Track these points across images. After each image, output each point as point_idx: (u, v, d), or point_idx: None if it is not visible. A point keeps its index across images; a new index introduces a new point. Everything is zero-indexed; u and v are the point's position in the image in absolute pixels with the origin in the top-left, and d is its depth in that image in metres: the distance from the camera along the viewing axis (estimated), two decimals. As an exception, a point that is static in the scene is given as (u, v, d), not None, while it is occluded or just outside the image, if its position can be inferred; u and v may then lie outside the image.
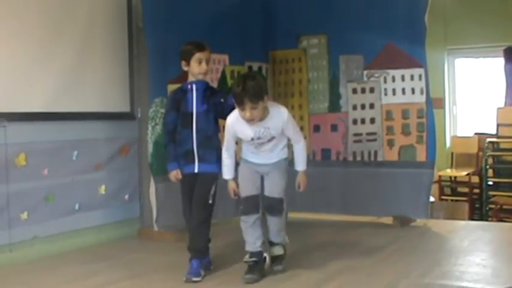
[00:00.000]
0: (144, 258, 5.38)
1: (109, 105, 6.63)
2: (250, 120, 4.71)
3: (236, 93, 4.66)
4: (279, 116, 4.85)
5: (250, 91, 4.60)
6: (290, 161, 5.26)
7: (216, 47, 7.06)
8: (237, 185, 5.07)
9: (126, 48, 6.89)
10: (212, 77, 7.20)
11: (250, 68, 7.80)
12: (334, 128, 7.70)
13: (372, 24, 7.26)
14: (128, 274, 5.29)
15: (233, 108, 4.97)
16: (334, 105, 7.69)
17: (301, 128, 7.76)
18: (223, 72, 7.42)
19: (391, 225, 7.32)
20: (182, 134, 5.25)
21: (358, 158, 7.53)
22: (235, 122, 4.88)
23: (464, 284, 4.78)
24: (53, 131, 6.18)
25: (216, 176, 5.28)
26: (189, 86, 5.28)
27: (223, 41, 7.21)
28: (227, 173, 5.12)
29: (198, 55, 5.22)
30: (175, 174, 5.30)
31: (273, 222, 5.08)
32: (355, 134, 7.54)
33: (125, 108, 6.86)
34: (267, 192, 5.06)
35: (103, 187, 6.63)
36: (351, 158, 7.58)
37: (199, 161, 5.22)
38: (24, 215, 5.93)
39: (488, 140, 10.74)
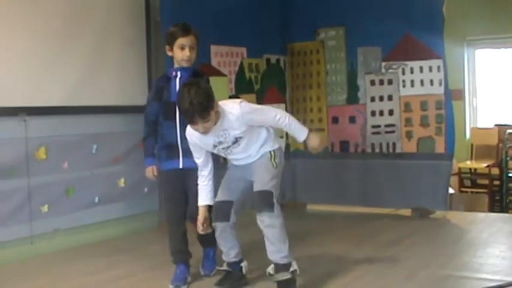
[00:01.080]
0: (164, 249, 5.39)
1: (127, 99, 6.67)
2: (204, 133, 4.22)
3: (183, 111, 4.14)
4: (230, 115, 4.25)
5: (197, 107, 4.05)
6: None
7: (234, 40, 7.18)
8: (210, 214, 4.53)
9: (144, 42, 6.94)
10: (230, 69, 7.27)
11: (268, 60, 7.86)
12: (352, 119, 7.75)
13: (390, 15, 7.28)
14: (148, 265, 5.36)
15: None
16: (352, 97, 7.73)
17: (320, 120, 7.81)
18: (241, 65, 7.48)
19: (409, 217, 7.35)
20: (164, 126, 4.87)
21: (377, 150, 7.57)
22: (192, 132, 4.34)
23: (483, 275, 4.79)
24: (72, 124, 6.25)
25: None
26: (173, 73, 4.86)
27: (241, 34, 7.32)
28: (200, 197, 4.54)
29: (180, 40, 4.75)
30: (151, 171, 4.95)
31: (265, 223, 4.33)
32: (374, 126, 7.58)
33: (143, 101, 6.85)
34: (254, 188, 4.44)
35: (122, 180, 6.69)
36: (369, 150, 7.63)
37: (183, 156, 4.78)
38: (45, 208, 6.01)
39: (509, 131, 10.67)
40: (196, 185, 4.65)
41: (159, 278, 4.88)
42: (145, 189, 6.90)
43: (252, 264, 4.77)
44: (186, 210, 4.87)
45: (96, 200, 6.49)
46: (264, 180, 4.38)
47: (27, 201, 5.86)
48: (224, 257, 4.63)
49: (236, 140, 4.33)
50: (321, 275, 4.90)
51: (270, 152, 4.47)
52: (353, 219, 7.40)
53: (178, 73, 4.82)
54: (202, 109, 4.03)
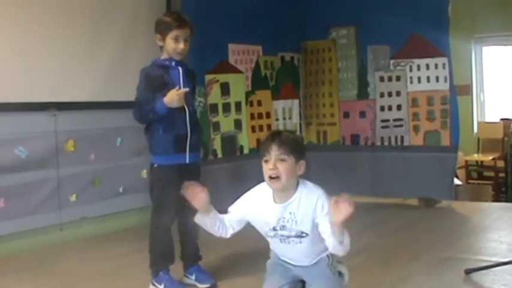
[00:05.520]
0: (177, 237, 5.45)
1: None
2: (273, 179, 3.34)
3: (265, 139, 3.45)
4: (309, 195, 3.40)
5: (281, 137, 3.38)
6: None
7: (250, 38, 7.46)
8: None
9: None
10: (247, 67, 7.60)
11: (282, 58, 8.16)
12: (362, 114, 8.01)
13: (398, 15, 7.50)
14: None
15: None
16: (363, 92, 8.00)
17: (332, 115, 8.11)
18: (257, 63, 7.78)
19: (416, 206, 7.66)
20: (174, 115, 4.42)
21: (386, 143, 7.83)
22: (256, 197, 3.51)
23: (482, 257, 5.10)
24: (98, 119, 6.54)
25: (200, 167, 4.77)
26: (167, 62, 4.50)
27: (257, 33, 7.62)
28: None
29: (175, 32, 4.41)
30: (174, 92, 4.35)
31: None
32: (383, 120, 7.84)
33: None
34: None
35: (145, 171, 6.83)
36: (378, 143, 7.89)
37: (190, 150, 4.51)
38: (73, 197, 6.32)
39: (514, 125, 10.92)
40: (196, 181, 4.24)
41: (178, 260, 4.82)
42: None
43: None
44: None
45: (121, 190, 6.78)
46: None
47: (57, 190, 6.15)
48: None
49: (300, 236, 3.41)
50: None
51: (327, 255, 3.54)
52: (362, 208, 7.38)
53: (173, 62, 4.50)
54: (286, 141, 3.37)
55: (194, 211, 4.36)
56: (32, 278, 5.04)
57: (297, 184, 3.43)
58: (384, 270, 4.90)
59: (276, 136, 3.39)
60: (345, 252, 3.30)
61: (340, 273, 3.62)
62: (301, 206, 3.39)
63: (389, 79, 7.78)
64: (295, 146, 3.39)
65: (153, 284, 4.57)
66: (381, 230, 6.39)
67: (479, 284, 4.46)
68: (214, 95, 7.20)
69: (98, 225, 6.54)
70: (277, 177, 3.33)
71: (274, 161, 3.33)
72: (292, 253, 3.49)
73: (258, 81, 7.82)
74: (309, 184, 3.47)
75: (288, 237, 3.42)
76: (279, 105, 8.12)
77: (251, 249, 5.15)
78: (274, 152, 3.34)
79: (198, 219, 3.53)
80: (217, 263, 5.22)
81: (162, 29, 4.47)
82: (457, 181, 8.36)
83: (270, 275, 3.63)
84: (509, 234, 6.18)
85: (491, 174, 11.25)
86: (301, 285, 3.67)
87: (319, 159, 8.24)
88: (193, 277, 4.71)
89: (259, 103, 7.85)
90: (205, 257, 4.85)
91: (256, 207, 3.49)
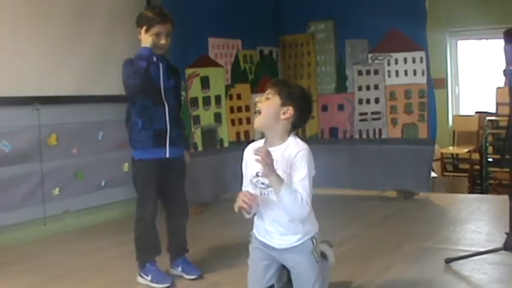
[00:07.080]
0: (164, 230, 5.48)
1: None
2: (257, 115, 3.58)
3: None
4: (293, 147, 3.51)
5: (279, 81, 3.73)
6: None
7: (230, 33, 7.51)
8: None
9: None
10: (226, 61, 7.65)
11: (261, 52, 8.22)
12: (341, 107, 8.10)
13: (377, 10, 7.59)
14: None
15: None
16: (341, 86, 8.08)
17: (310, 108, 8.15)
18: (236, 57, 7.84)
19: (394, 198, 7.74)
20: (153, 111, 4.47)
21: (364, 136, 7.92)
22: (249, 148, 3.67)
23: (461, 247, 5.24)
24: (80, 113, 6.57)
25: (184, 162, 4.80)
26: (149, 58, 4.41)
27: (236, 27, 7.67)
28: None
29: (157, 27, 4.42)
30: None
31: None
32: (361, 113, 7.93)
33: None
34: None
35: (126, 165, 6.87)
36: (357, 136, 7.97)
37: (170, 144, 4.52)
38: (56, 191, 6.36)
39: (488, 118, 11.13)
40: (181, 182, 4.68)
41: (165, 252, 4.86)
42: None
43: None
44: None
45: (103, 183, 6.83)
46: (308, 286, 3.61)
47: (40, 184, 6.19)
48: None
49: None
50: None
51: (312, 239, 3.61)
52: (342, 200, 7.77)
53: (154, 58, 4.45)
54: (284, 86, 3.59)
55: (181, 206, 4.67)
56: (16, 272, 5.05)
57: (288, 137, 3.57)
58: (366, 260, 4.99)
59: (277, 80, 3.73)
60: (296, 212, 3.41)
61: (323, 255, 3.79)
62: (285, 157, 3.48)
63: (368, 73, 7.86)
64: (284, 90, 3.55)
65: (141, 276, 4.63)
66: (360, 222, 6.48)
67: (460, 272, 4.57)
68: (195, 89, 7.24)
69: (81, 219, 6.57)
70: (258, 111, 3.57)
71: (264, 98, 3.57)
72: (270, 216, 3.56)
73: (238, 75, 7.87)
74: (299, 140, 3.59)
75: (268, 186, 3.48)
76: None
77: (236, 241, 5.26)
78: (267, 91, 3.57)
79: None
80: (203, 255, 5.28)
81: (144, 23, 4.45)
82: (432, 173, 8.47)
83: (254, 265, 3.74)
84: (486, 224, 6.32)
85: (467, 166, 11.43)
86: (286, 275, 3.77)
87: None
88: (179, 269, 4.76)
89: (239, 97, 7.91)
90: (191, 249, 4.90)
91: (249, 152, 3.60)
